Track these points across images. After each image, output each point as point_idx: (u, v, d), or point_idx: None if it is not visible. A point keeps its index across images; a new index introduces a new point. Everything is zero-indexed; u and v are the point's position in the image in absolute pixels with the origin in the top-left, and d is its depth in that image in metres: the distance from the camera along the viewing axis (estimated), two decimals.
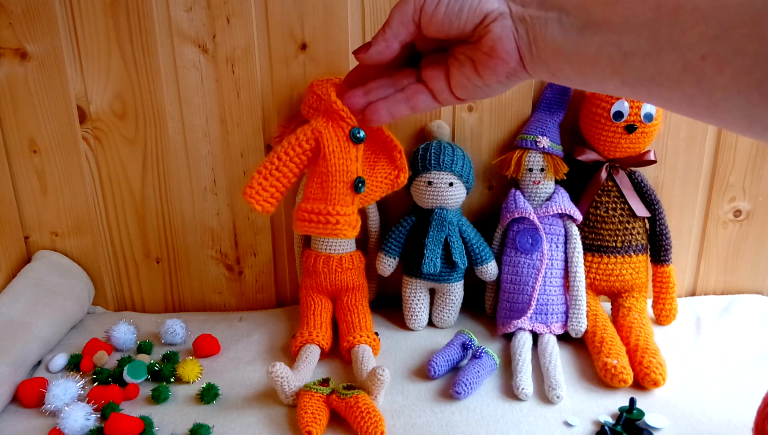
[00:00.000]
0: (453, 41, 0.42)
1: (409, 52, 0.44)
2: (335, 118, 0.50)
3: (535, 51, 0.38)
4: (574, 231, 0.75)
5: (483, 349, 0.68)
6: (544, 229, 0.74)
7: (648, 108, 0.72)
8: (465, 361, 0.70)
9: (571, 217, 0.75)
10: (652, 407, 0.62)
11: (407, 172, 0.58)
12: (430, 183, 0.74)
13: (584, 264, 0.76)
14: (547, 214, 0.74)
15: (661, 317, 0.79)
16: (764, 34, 0.27)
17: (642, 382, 0.65)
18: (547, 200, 0.76)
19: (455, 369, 0.69)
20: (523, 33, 0.38)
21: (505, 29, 0.38)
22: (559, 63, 0.37)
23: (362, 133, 0.51)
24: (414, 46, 0.44)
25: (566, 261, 0.75)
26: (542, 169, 0.75)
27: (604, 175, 0.76)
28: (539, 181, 0.75)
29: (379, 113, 0.46)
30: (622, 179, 0.76)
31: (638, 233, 0.77)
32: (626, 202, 0.76)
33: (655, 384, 0.65)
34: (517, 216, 0.75)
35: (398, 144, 0.57)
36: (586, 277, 0.77)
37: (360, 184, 0.52)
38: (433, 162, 0.73)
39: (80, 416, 0.58)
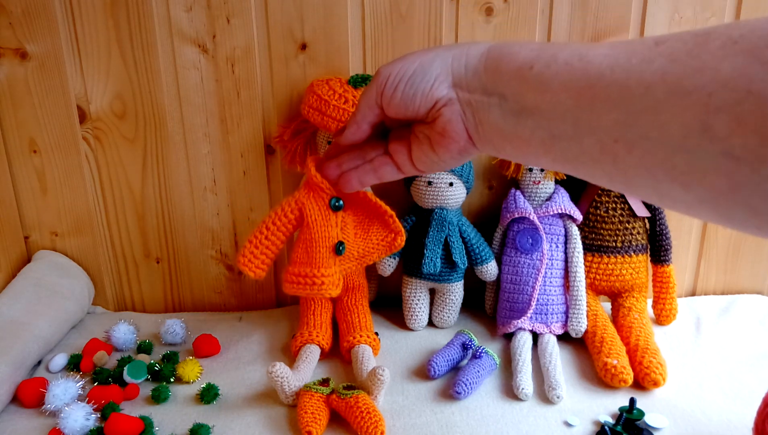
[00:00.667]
0: (413, 120, 0.47)
1: (380, 129, 0.50)
2: (316, 189, 0.57)
3: (481, 131, 0.42)
4: (574, 231, 0.75)
5: (483, 349, 0.68)
6: (544, 229, 0.75)
7: None
8: (465, 361, 0.70)
9: (571, 217, 0.75)
10: (652, 407, 0.62)
11: (403, 235, 0.64)
12: (430, 183, 0.74)
13: (584, 264, 0.76)
14: (547, 214, 0.74)
15: (661, 317, 0.79)
16: (664, 121, 0.31)
17: (642, 382, 0.65)
18: (547, 200, 0.76)
19: (455, 369, 0.69)
20: (470, 116, 0.42)
21: (454, 113, 0.43)
22: (501, 142, 0.41)
23: (340, 202, 0.57)
24: (383, 123, 0.50)
25: (566, 261, 0.75)
26: (542, 169, 0.75)
27: None
28: (539, 181, 0.75)
29: (350, 182, 0.52)
30: None
31: (638, 233, 0.77)
32: (626, 202, 0.76)
33: (655, 384, 0.65)
34: (517, 216, 0.75)
35: (387, 209, 0.63)
36: (586, 277, 0.77)
37: (341, 247, 0.58)
38: None
39: (80, 416, 0.58)
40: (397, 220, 0.64)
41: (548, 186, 0.76)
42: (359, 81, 0.72)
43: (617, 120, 0.33)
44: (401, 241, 0.64)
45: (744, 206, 0.30)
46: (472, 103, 0.42)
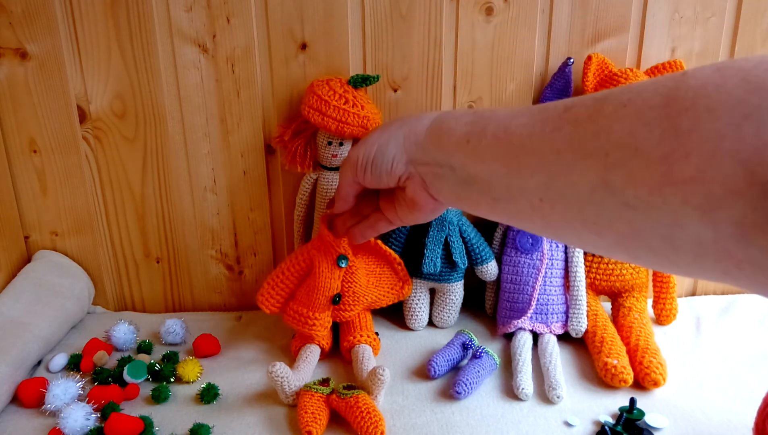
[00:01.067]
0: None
1: (368, 190, 0.59)
2: (327, 246, 0.67)
3: (442, 196, 0.50)
4: None
5: (483, 349, 0.68)
6: None
7: None
8: (465, 361, 0.70)
9: None
10: (652, 407, 0.62)
11: (411, 283, 0.75)
12: None
13: (584, 264, 0.76)
14: None
15: (662, 317, 0.79)
16: (574, 180, 0.36)
17: (642, 382, 0.65)
18: None
19: (455, 369, 0.69)
20: (430, 183, 0.50)
21: (416, 184, 0.51)
22: (459, 203, 0.48)
23: (345, 262, 0.68)
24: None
25: (566, 261, 0.75)
26: None
27: None
28: None
29: (355, 237, 0.62)
30: None
31: None
32: None
33: (656, 384, 0.65)
34: None
35: (396, 257, 0.74)
36: (587, 277, 0.77)
37: (337, 298, 0.69)
38: None
39: (80, 416, 0.58)
40: (404, 268, 0.74)
41: None
42: (359, 81, 0.72)
43: (539, 182, 0.38)
44: (408, 290, 0.75)
45: (646, 248, 0.34)
46: (429, 174, 0.49)
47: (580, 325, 0.73)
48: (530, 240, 0.74)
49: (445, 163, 0.47)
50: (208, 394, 0.64)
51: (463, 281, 0.79)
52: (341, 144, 0.74)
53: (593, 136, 0.34)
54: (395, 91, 0.76)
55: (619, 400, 0.64)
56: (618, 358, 0.66)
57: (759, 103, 0.27)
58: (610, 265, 0.77)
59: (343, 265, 0.68)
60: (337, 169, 0.76)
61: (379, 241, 0.73)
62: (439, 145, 0.48)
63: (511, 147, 0.40)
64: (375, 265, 0.74)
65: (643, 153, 0.31)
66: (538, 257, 0.74)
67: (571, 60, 0.73)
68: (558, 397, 0.63)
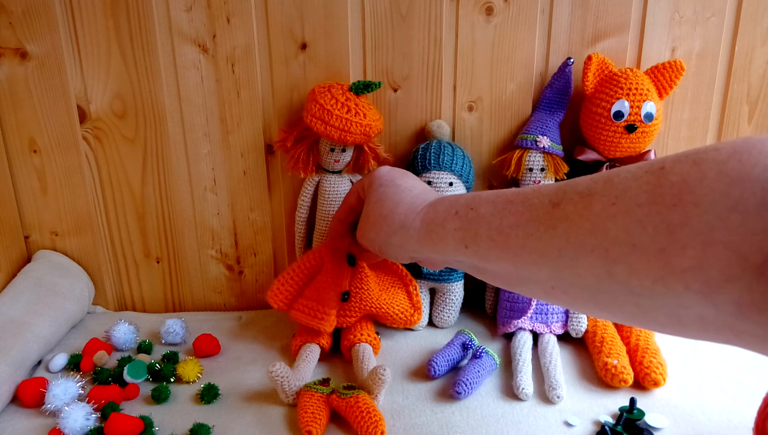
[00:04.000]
0: None
1: None
2: (337, 247, 0.68)
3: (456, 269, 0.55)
4: None
5: (483, 348, 0.68)
6: None
7: (648, 108, 0.72)
8: (465, 361, 0.70)
9: None
10: (652, 407, 0.62)
11: (422, 313, 0.75)
12: (430, 183, 0.74)
13: None
14: None
15: None
16: (580, 273, 0.38)
17: (642, 382, 0.65)
18: None
19: (455, 369, 0.69)
20: (441, 265, 0.57)
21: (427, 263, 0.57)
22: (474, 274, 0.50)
23: (354, 262, 0.69)
24: None
25: None
26: (542, 169, 0.75)
27: None
28: (539, 181, 0.75)
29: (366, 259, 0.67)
30: None
31: None
32: None
33: (656, 384, 0.65)
34: None
35: (413, 280, 0.74)
36: None
37: (346, 295, 0.70)
38: (433, 162, 0.73)
39: (80, 416, 0.58)
40: (419, 294, 0.74)
41: None
42: (361, 88, 0.72)
43: (548, 274, 0.40)
44: (418, 318, 0.74)
45: (654, 323, 0.36)
46: (439, 262, 0.55)
47: (580, 325, 0.73)
48: None
49: (450, 259, 0.50)
50: (208, 394, 0.64)
51: (463, 281, 0.79)
52: (344, 150, 0.74)
53: (589, 234, 0.36)
54: (395, 91, 0.76)
55: (619, 400, 0.64)
56: (618, 358, 0.66)
57: (740, 195, 0.30)
58: None
59: (352, 265, 0.69)
60: (339, 172, 0.76)
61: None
62: (437, 250, 0.49)
63: (512, 248, 0.41)
64: (389, 284, 0.74)
65: (640, 248, 0.33)
66: None
67: (571, 60, 0.73)
68: (558, 397, 0.63)
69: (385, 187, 0.57)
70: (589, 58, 0.73)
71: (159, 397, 0.64)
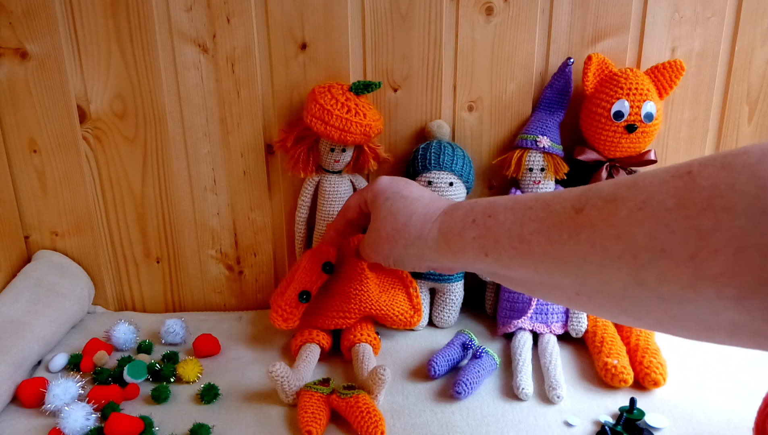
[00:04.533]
0: None
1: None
2: (320, 249, 0.70)
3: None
4: None
5: (483, 348, 0.68)
6: None
7: (648, 108, 0.72)
8: (465, 361, 0.70)
9: None
10: (652, 407, 0.62)
11: (422, 315, 0.74)
12: (430, 183, 0.74)
13: None
14: None
15: None
16: (606, 279, 0.37)
17: (642, 382, 0.65)
18: None
19: (455, 369, 0.69)
20: (460, 269, 0.55)
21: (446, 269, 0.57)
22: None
23: (330, 270, 0.70)
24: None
25: None
26: (542, 169, 0.75)
27: (604, 174, 0.76)
28: (539, 181, 0.75)
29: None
30: None
31: None
32: None
33: (656, 384, 0.65)
34: None
35: (413, 281, 0.74)
36: None
37: (303, 296, 0.69)
38: (433, 162, 0.73)
39: (80, 416, 0.58)
40: (419, 295, 0.74)
41: (548, 186, 0.76)
42: (361, 88, 0.72)
43: (573, 281, 0.39)
44: (418, 319, 0.74)
45: (683, 328, 0.36)
46: (458, 269, 0.53)
47: (580, 325, 0.73)
48: None
49: (470, 267, 0.49)
50: (208, 394, 0.64)
51: (463, 281, 0.79)
52: (344, 150, 0.74)
53: (615, 240, 0.35)
54: (395, 91, 0.76)
55: (619, 400, 0.64)
56: (618, 358, 0.66)
57: None
58: None
59: (327, 271, 0.69)
60: (339, 172, 0.76)
61: None
62: (456, 259, 0.48)
63: (535, 255, 0.41)
64: (389, 286, 0.74)
65: (670, 254, 0.32)
66: None
67: (571, 60, 0.73)
68: (558, 397, 0.63)
69: (393, 199, 0.56)
70: (589, 58, 0.73)
71: (159, 397, 0.64)
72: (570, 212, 0.38)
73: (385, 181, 0.58)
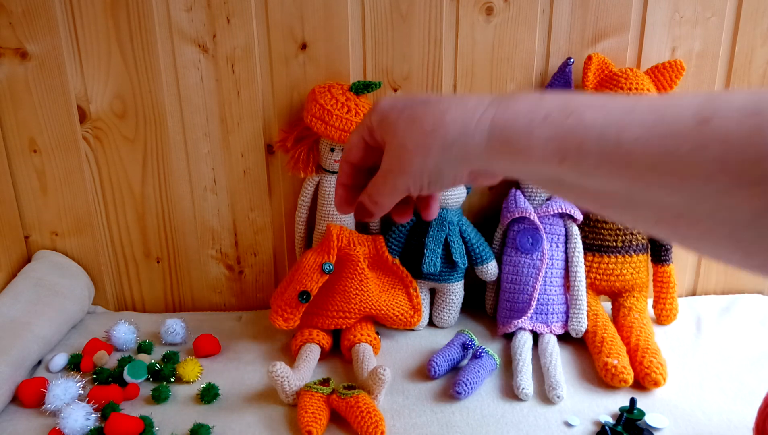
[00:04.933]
0: None
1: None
2: (322, 248, 0.71)
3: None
4: (575, 231, 0.75)
5: (483, 349, 0.68)
6: (545, 228, 0.74)
7: None
8: (465, 361, 0.70)
9: (571, 217, 0.75)
10: (652, 407, 0.62)
11: (422, 315, 0.74)
12: None
13: (585, 264, 0.76)
14: (547, 213, 0.74)
15: (662, 317, 0.79)
16: (732, 204, 0.31)
17: (642, 382, 0.65)
18: (547, 200, 0.76)
19: (455, 369, 0.69)
20: (505, 174, 0.44)
21: (487, 178, 0.45)
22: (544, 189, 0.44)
23: (329, 269, 0.70)
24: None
25: (567, 261, 0.75)
26: None
27: None
28: None
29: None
30: None
31: (638, 233, 0.77)
32: None
33: (656, 384, 0.64)
34: (517, 216, 0.75)
35: (413, 281, 0.74)
36: (587, 277, 0.77)
37: (303, 296, 0.70)
38: None
39: (80, 416, 0.58)
40: (419, 295, 0.74)
41: None
42: (361, 88, 0.72)
43: (679, 201, 0.32)
44: (418, 319, 0.74)
45: None
46: (504, 173, 0.44)
47: (581, 325, 0.73)
48: (530, 240, 0.74)
49: (531, 172, 0.40)
50: (208, 394, 0.64)
51: (463, 281, 0.79)
52: (343, 150, 0.74)
53: (756, 162, 0.29)
54: (395, 91, 0.76)
55: (620, 400, 0.64)
56: (618, 358, 0.66)
57: None
58: (610, 265, 0.77)
59: (326, 271, 0.70)
60: None
61: (397, 262, 0.74)
62: (514, 160, 0.39)
63: (634, 165, 0.34)
64: (389, 286, 0.74)
65: None
66: (539, 257, 0.74)
67: (571, 60, 0.73)
68: (558, 397, 0.63)
69: (410, 108, 0.44)
70: (589, 58, 0.73)
71: (159, 397, 0.64)
72: (690, 121, 0.31)
73: (387, 98, 0.47)
